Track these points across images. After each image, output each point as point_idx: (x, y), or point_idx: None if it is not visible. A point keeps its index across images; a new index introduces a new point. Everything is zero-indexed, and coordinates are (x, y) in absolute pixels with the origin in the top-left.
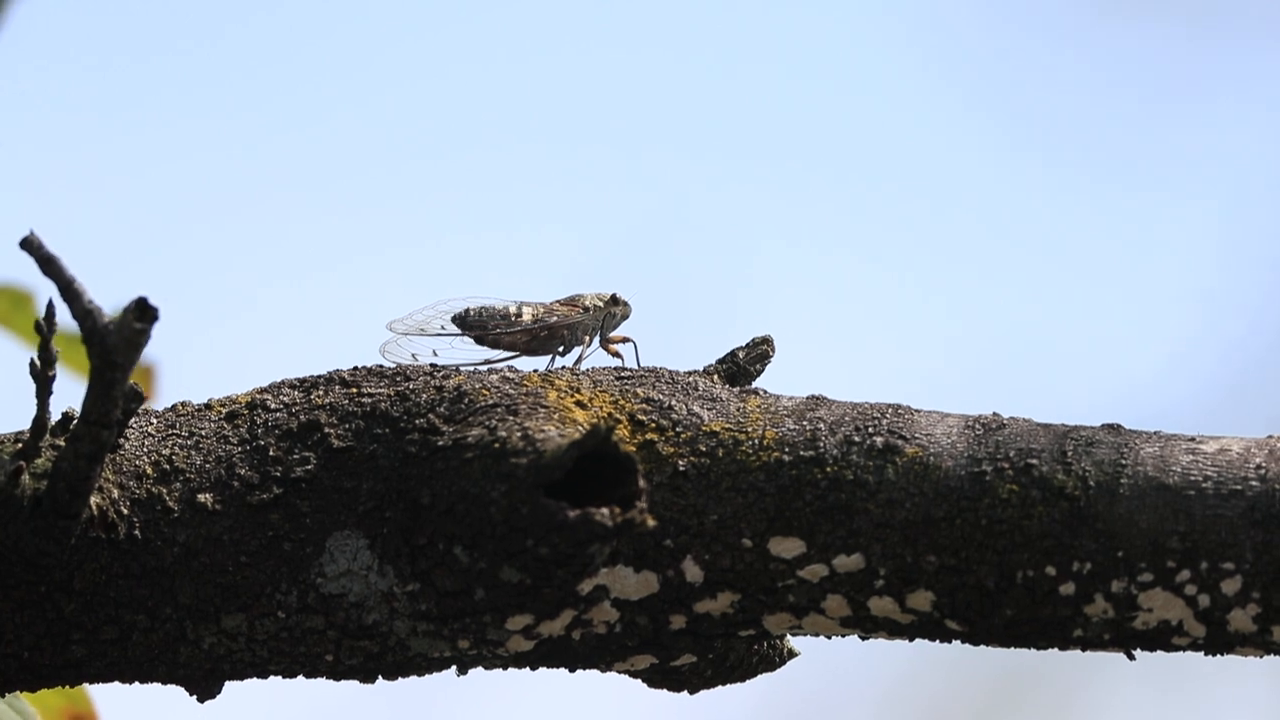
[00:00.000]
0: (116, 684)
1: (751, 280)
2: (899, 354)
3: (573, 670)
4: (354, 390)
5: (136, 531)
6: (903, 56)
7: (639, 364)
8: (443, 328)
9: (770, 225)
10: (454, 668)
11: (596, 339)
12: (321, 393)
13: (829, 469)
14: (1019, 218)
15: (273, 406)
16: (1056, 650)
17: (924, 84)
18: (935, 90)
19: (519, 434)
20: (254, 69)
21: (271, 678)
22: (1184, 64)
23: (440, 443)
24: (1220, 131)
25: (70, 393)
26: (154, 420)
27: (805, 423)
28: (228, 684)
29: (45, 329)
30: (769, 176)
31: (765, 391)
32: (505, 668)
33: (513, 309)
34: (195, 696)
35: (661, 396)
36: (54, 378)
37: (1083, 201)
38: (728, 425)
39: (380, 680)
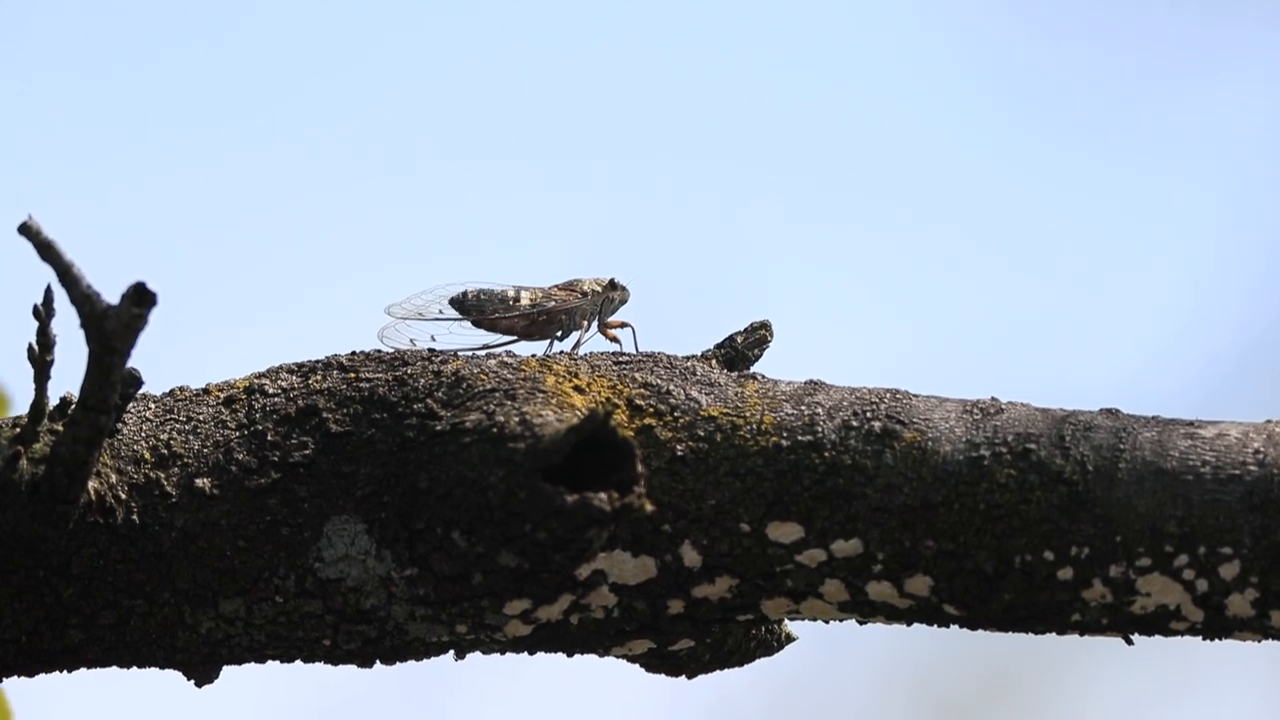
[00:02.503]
0: (45, 681)
1: (750, 265)
2: (897, 339)
3: (570, 655)
4: (352, 375)
5: (134, 516)
6: (897, 34)
7: (637, 349)
8: (441, 312)
9: (768, 210)
10: (452, 652)
11: (594, 324)
12: (319, 378)
13: (827, 454)
14: (1018, 201)
15: (270, 391)
16: (1054, 635)
17: (919, 65)
18: (931, 71)
19: (517, 419)
20: (254, 63)
21: (269, 662)
22: (1184, 43)
23: (438, 428)
24: (1221, 113)
25: (69, 377)
26: (152, 405)
27: (803, 407)
28: (225, 668)
29: (43, 314)
30: (766, 161)
31: (763, 376)
32: (503, 652)
33: (511, 294)
34: (193, 681)
35: (659, 381)
36: (52, 362)
37: (1082, 183)
38: (726, 410)
39: (378, 665)
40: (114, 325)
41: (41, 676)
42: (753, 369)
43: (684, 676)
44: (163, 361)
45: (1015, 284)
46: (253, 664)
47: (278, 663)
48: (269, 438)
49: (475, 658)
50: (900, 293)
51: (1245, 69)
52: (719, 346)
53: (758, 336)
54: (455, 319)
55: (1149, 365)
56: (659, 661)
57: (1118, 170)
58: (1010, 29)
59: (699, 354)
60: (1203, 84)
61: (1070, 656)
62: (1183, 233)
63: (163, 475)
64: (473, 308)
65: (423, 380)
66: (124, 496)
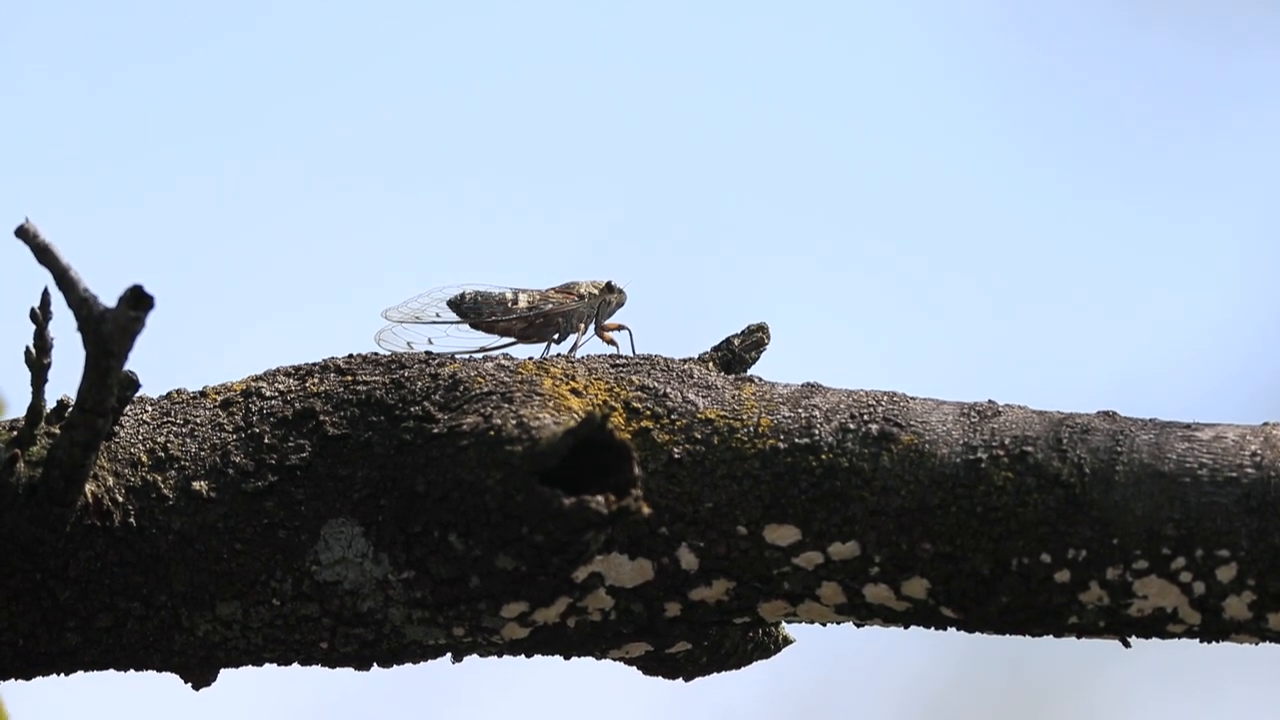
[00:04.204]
0: (59, 683)
1: (747, 267)
2: (895, 342)
3: (568, 657)
4: (349, 378)
5: (131, 519)
6: (907, 48)
7: (634, 351)
8: (438, 315)
9: (766, 212)
10: (449, 655)
11: (592, 326)
12: (316, 380)
13: (824, 456)
14: (1022, 208)
15: (268, 394)
16: (1052, 638)
17: (927, 75)
18: (937, 82)
19: (514, 422)
20: (249, 69)
21: (266, 665)
22: (1204, 72)
23: (435, 430)
24: (1232, 137)
25: (66, 380)
26: (149, 408)
27: (800, 410)
28: (222, 671)
29: (41, 317)
30: (765, 164)
31: (760, 379)
32: (500, 655)
33: (508, 296)
34: (190, 684)
35: (656, 384)
36: (49, 365)
37: (1085, 193)
38: (723, 413)
39: (375, 667)
40: (111, 328)
41: (38, 680)
42: (750, 371)
43: (681, 679)
44: (160, 364)
45: (1016, 291)
46: (250, 667)
47: (275, 665)
48: (266, 440)
49: (472, 660)
50: (898, 297)
51: (1265, 97)
52: (716, 349)
53: (755, 339)
54: (452, 322)
55: (1151, 374)
56: (656, 664)
57: (1124, 179)
58: (1018, 48)
59: (696, 357)
60: (1214, 106)
61: (1094, 676)
62: (1189, 245)
63: (160, 478)
64: (470, 310)
65: (420, 383)
66: (121, 499)
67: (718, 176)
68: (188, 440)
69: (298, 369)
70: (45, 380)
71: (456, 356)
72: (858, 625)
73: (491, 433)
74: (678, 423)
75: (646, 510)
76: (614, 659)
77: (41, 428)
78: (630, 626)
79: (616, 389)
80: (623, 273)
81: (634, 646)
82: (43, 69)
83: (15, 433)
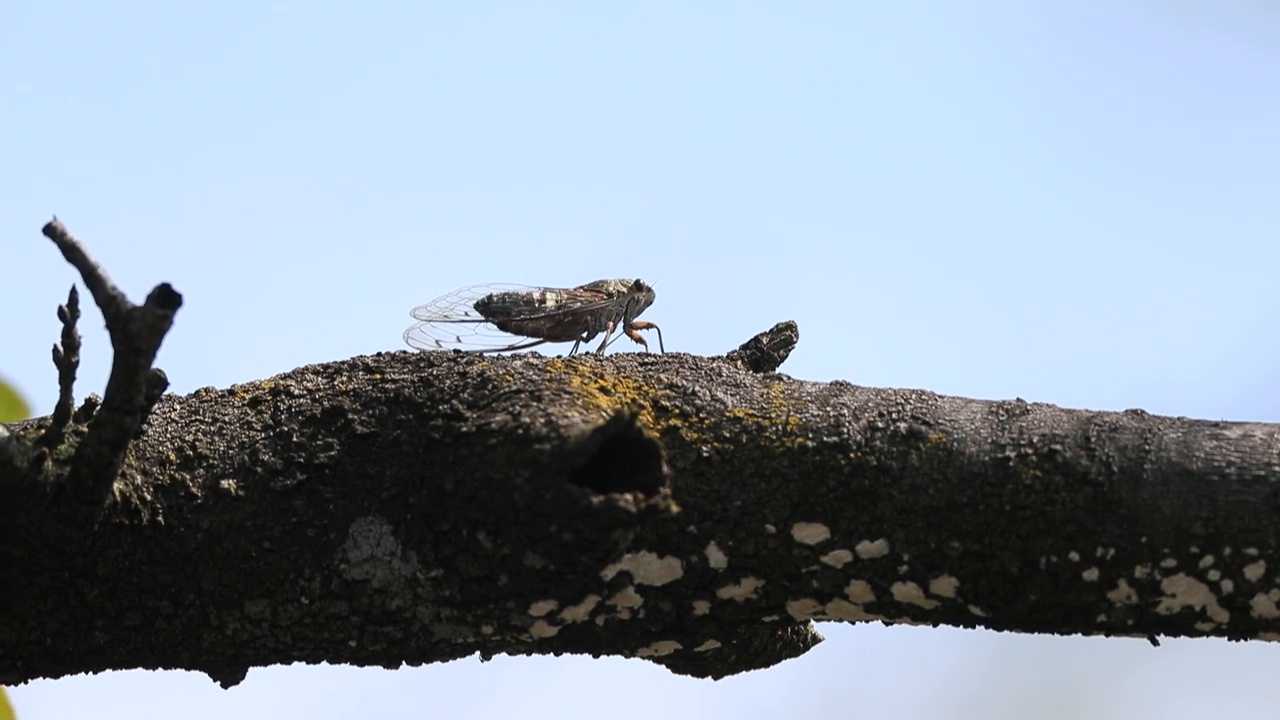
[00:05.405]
0: (68, 684)
1: (776, 266)
2: (924, 340)
3: (596, 656)
4: (378, 376)
5: (160, 518)
6: (935, 49)
7: (663, 350)
8: (466, 314)
9: (795, 210)
10: (478, 654)
11: (620, 325)
12: (345, 379)
13: (853, 455)
14: (1051, 206)
15: (296, 393)
16: (1081, 636)
17: (955, 73)
18: (966, 81)
19: (543, 420)
20: (276, 66)
21: (295, 664)
22: (1236, 70)
23: (464, 429)
24: (1263, 137)
25: (94, 378)
26: (177, 406)
27: (829, 409)
28: (251, 670)
29: (68, 315)
30: (794, 163)
31: (789, 377)
32: (529, 654)
33: (536, 295)
34: (219, 683)
35: (685, 382)
36: (77, 364)
37: (1114, 191)
38: (751, 411)
39: (404, 666)
40: (139, 326)
41: (65, 679)
42: (778, 370)
43: (710, 678)
44: (188, 362)
45: (1044, 289)
46: (279, 665)
47: (304, 664)
48: (294, 439)
49: (501, 659)
50: (927, 295)
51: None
52: (744, 347)
53: (783, 337)
54: (481, 320)
55: (1179, 373)
56: (685, 663)
57: (1153, 178)
58: (1048, 48)
59: (724, 355)
60: (1237, 110)
61: (1125, 673)
62: (1217, 244)
63: (188, 476)
64: (498, 309)
65: (448, 381)
66: (149, 498)
67: (747, 175)
68: (216, 438)
69: (326, 367)
70: (73, 378)
71: (485, 355)
72: (886, 623)
73: (520, 431)
74: (706, 421)
75: (675, 508)
76: (642, 657)
77: (69, 426)
78: (659, 625)
79: (645, 387)
80: (651, 271)
81: (662, 645)
82: (74, 69)
83: (43, 431)
